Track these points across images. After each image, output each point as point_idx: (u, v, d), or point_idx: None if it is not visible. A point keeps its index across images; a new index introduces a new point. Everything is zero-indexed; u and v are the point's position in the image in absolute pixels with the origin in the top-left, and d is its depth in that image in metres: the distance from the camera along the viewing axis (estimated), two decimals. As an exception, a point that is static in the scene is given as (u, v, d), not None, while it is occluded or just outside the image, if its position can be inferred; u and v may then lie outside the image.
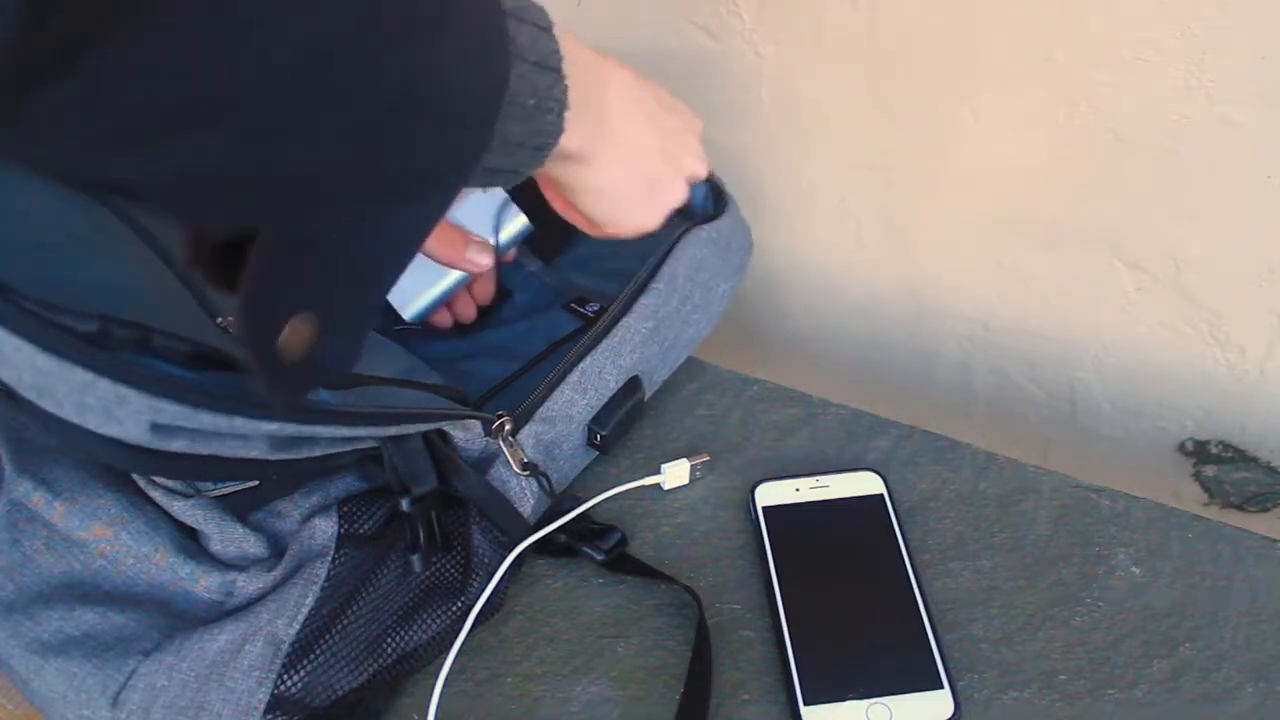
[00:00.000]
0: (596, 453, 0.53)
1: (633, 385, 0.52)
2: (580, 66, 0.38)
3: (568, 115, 0.36)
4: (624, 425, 0.52)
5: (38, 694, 0.41)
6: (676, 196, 0.47)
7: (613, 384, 0.51)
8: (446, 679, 0.43)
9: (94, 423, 0.34)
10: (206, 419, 0.35)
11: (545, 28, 0.35)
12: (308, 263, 0.29)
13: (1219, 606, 0.49)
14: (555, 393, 0.49)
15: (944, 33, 0.56)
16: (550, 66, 0.35)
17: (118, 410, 0.33)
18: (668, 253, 0.55)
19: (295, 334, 0.29)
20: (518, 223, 0.59)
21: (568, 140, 0.38)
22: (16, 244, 0.40)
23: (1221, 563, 0.51)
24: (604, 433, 0.51)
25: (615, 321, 0.52)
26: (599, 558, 0.49)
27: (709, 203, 0.61)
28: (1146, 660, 0.47)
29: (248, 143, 0.25)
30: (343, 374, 0.44)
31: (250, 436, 0.37)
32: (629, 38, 0.66)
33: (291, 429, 0.37)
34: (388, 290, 0.33)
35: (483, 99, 0.31)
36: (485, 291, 0.63)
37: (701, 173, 0.49)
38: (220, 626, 0.41)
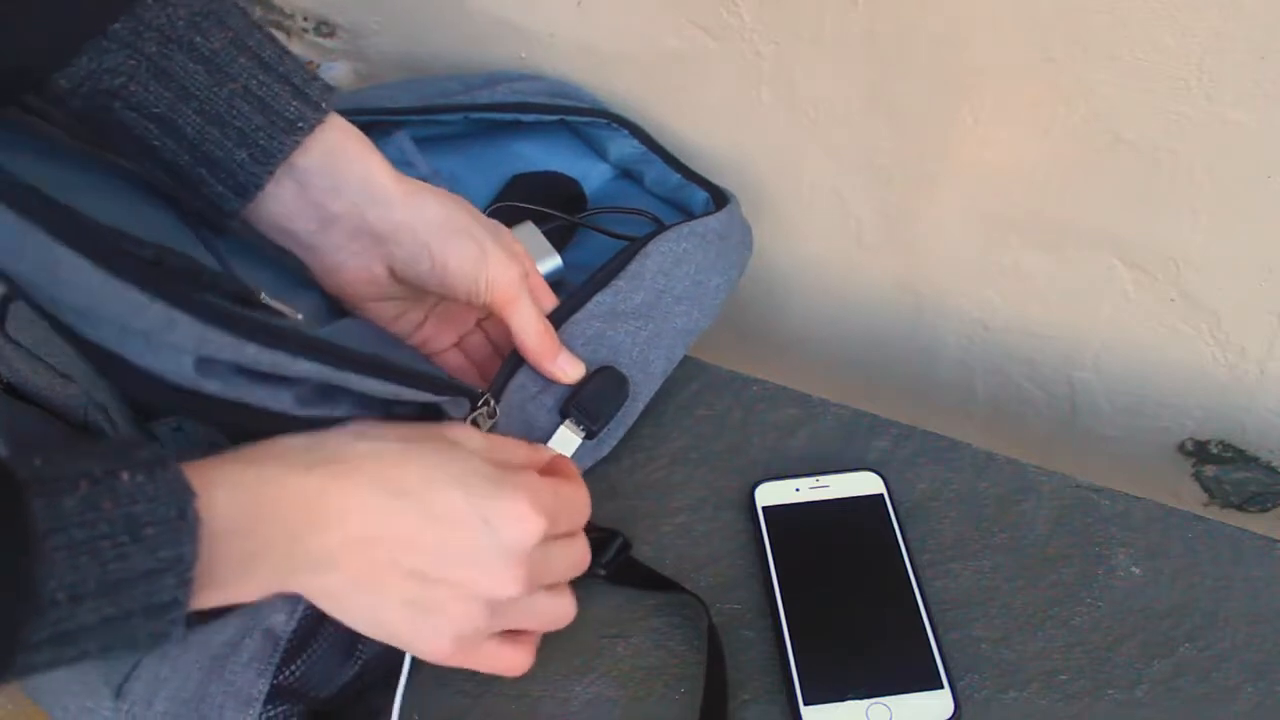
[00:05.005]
0: (588, 449, 0.52)
1: (601, 368, 0.52)
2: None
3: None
4: (598, 407, 0.51)
5: (41, 686, 0.41)
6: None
7: None
8: (441, 678, 0.43)
9: (134, 352, 0.34)
10: (251, 351, 0.35)
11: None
12: None
13: (1219, 606, 0.49)
14: (512, 380, 0.49)
15: (944, 33, 0.56)
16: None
17: (166, 336, 0.33)
18: (636, 251, 0.54)
19: None
20: (550, 262, 0.58)
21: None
22: (76, 186, 0.40)
23: (1221, 563, 0.51)
24: (573, 410, 0.50)
25: (566, 316, 0.51)
26: (601, 574, 0.49)
27: (710, 206, 0.61)
28: (1146, 660, 0.47)
29: None
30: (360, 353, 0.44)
31: (282, 382, 0.37)
32: (629, 38, 0.66)
33: (328, 372, 0.37)
34: None
35: None
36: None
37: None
38: (223, 621, 0.41)
